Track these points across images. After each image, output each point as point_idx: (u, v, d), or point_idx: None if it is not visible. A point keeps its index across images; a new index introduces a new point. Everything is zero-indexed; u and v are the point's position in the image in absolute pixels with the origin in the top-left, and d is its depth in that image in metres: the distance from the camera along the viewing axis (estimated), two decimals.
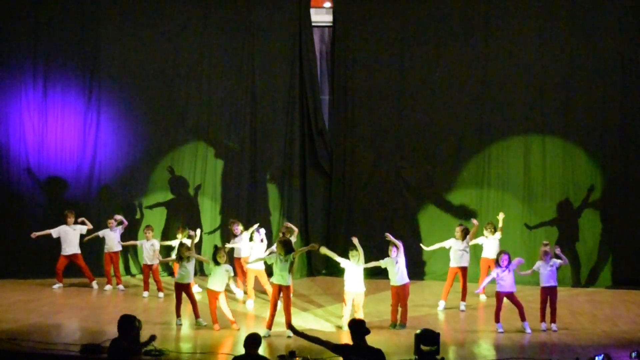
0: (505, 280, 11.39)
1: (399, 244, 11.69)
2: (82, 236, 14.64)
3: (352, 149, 16.59)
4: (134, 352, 8.39)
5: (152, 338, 8.72)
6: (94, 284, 14.60)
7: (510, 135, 16.05)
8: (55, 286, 14.46)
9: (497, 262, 11.51)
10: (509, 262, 11.45)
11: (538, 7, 15.92)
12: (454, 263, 13.20)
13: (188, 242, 12.71)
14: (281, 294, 11.12)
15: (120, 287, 14.50)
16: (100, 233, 14.63)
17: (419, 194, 16.36)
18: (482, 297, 13.64)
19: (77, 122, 16.10)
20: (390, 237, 11.76)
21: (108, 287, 14.43)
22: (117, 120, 16.25)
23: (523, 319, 11.40)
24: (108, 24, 16.15)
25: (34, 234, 14.41)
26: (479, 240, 14.07)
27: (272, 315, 10.97)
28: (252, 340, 8.10)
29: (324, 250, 11.78)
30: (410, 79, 16.40)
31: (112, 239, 14.57)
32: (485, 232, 14.05)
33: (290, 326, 8.31)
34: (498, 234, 13.99)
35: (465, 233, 13.23)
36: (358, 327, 7.96)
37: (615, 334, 11.27)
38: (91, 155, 16.10)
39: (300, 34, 16.52)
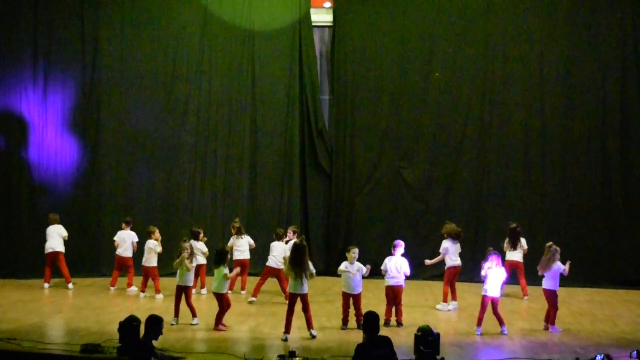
0: (494, 284, 11.19)
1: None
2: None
3: (352, 149, 16.59)
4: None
5: None
6: (46, 285, 14.43)
7: (510, 135, 16.06)
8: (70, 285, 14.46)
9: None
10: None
11: (538, 7, 15.93)
12: (458, 261, 13.10)
13: (198, 244, 12.86)
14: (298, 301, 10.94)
15: (133, 288, 14.30)
16: (116, 237, 14.38)
17: (419, 194, 16.36)
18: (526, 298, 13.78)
19: (77, 122, 16.09)
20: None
21: (112, 288, 14.34)
22: (116, 120, 16.24)
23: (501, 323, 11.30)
24: (108, 23, 16.15)
25: None
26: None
27: (289, 321, 10.79)
28: None
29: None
30: (410, 79, 16.41)
31: (125, 241, 14.34)
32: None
33: None
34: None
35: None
36: (373, 321, 7.95)
37: (615, 334, 11.27)
38: (91, 156, 16.09)
39: (300, 34, 16.54)
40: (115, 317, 11.01)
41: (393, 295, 11.71)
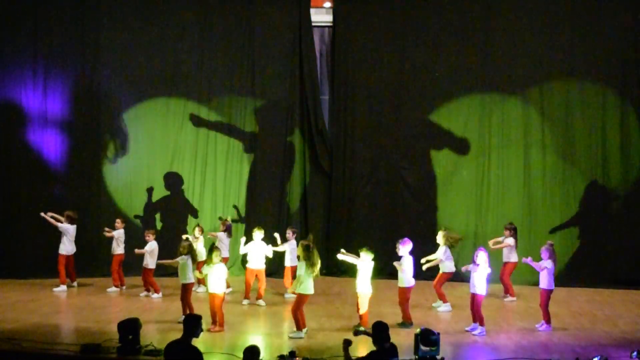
0: (481, 281, 11.14)
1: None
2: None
3: (352, 149, 16.60)
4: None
5: None
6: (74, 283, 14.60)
7: (510, 135, 16.06)
8: (74, 284, 14.55)
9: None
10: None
11: (538, 6, 15.94)
12: (453, 268, 13.15)
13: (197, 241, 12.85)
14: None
15: (123, 288, 14.38)
16: (115, 233, 14.44)
17: (419, 194, 16.36)
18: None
19: (77, 121, 16.08)
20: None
21: (112, 289, 14.34)
22: (116, 120, 16.24)
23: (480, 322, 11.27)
24: (108, 23, 16.13)
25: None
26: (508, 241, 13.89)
27: (303, 317, 10.97)
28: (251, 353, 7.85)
29: (341, 257, 11.85)
30: (410, 79, 16.41)
31: (119, 240, 14.43)
32: (505, 233, 13.95)
33: None
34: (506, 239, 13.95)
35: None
36: (384, 330, 7.92)
37: (615, 334, 11.27)
38: (91, 156, 16.08)
39: (300, 34, 16.54)
40: (115, 317, 11.01)
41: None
